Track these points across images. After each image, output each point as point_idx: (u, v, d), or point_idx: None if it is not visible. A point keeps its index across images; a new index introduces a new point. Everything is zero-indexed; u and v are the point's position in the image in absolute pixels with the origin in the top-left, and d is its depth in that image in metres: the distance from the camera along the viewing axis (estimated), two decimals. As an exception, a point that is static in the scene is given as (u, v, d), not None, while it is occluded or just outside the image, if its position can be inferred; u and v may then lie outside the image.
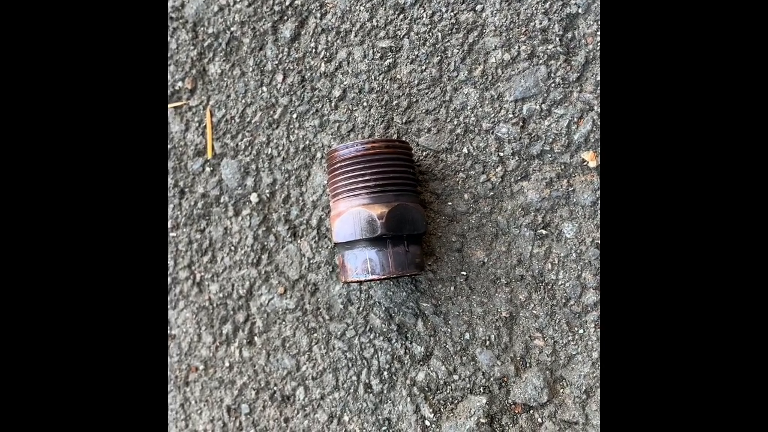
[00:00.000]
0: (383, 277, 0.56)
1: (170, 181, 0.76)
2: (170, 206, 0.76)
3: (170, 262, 0.75)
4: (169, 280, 0.75)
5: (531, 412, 0.59)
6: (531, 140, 0.60)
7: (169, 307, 0.75)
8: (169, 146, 0.77)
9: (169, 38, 0.78)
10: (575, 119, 0.59)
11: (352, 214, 0.56)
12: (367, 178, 0.56)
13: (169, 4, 0.79)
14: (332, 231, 0.58)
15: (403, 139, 0.65)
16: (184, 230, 0.75)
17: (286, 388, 0.68)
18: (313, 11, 0.70)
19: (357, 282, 0.59)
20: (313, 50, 0.70)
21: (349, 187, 0.57)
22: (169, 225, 0.76)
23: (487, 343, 0.61)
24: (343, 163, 0.58)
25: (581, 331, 0.58)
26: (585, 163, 0.59)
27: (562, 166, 0.59)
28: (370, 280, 0.57)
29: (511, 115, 0.61)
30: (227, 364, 0.71)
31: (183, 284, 0.75)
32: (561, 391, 0.58)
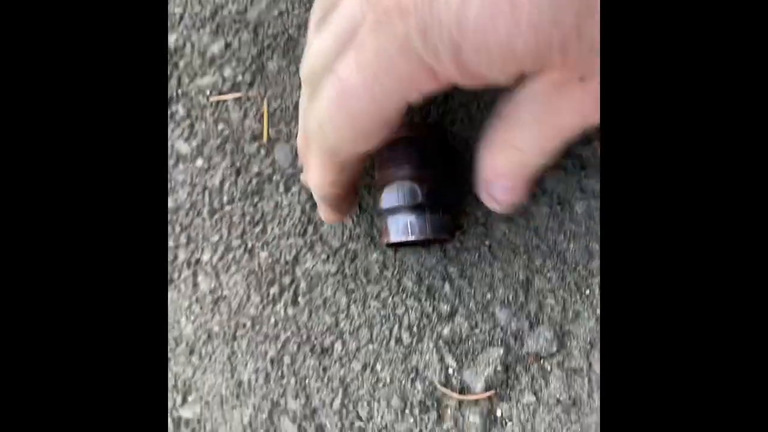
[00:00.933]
0: (421, 238, 0.66)
1: (227, 162, 0.87)
2: (227, 184, 0.86)
3: (224, 232, 0.85)
4: (222, 247, 0.85)
5: (542, 361, 0.68)
6: (549, 131, 0.71)
7: (220, 271, 0.85)
8: (227, 132, 0.87)
9: (232, 38, 0.89)
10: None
11: (397, 184, 0.66)
12: (411, 152, 0.67)
13: (233, 8, 0.90)
14: (378, 198, 0.68)
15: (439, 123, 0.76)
16: (239, 204, 0.85)
17: (325, 342, 0.78)
18: (364, 18, 0.81)
19: (398, 243, 0.69)
20: (362, 51, 0.81)
21: (395, 160, 0.67)
22: (225, 200, 0.86)
23: (506, 302, 0.70)
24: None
25: (587, 291, 0.68)
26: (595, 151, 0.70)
27: (577, 156, 0.70)
28: (410, 242, 0.67)
29: (532, 110, 0.72)
30: (273, 321, 0.81)
31: (235, 251, 0.84)
32: (568, 343, 0.68)
